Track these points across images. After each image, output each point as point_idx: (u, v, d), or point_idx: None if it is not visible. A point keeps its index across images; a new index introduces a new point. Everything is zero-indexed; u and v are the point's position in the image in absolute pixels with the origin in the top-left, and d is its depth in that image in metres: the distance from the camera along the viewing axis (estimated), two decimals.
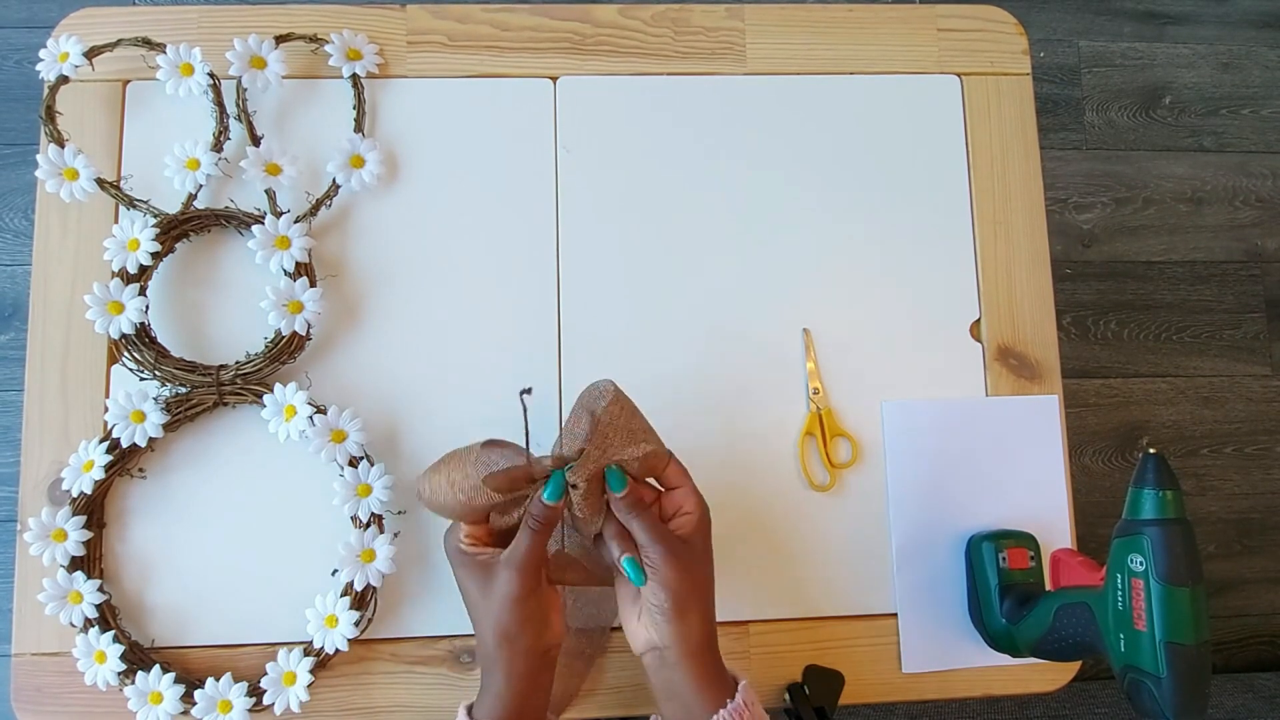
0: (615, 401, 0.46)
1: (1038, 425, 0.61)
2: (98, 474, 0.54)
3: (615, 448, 0.46)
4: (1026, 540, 0.57)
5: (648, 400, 0.59)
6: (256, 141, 0.59)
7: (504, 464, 0.45)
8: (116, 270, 0.56)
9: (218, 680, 0.53)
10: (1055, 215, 1.41)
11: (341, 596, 0.54)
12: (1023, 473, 0.61)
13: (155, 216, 0.57)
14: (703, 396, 0.60)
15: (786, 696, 0.56)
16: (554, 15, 0.64)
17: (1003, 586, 0.56)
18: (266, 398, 0.55)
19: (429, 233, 0.61)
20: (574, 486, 0.45)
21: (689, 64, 0.64)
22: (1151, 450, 0.46)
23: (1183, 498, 0.45)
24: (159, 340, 0.56)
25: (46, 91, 0.57)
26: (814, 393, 0.60)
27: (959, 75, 0.65)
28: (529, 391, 0.46)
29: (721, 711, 0.44)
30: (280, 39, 0.60)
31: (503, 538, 0.48)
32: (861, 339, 0.61)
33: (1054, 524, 0.60)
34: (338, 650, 0.53)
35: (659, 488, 0.49)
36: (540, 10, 0.64)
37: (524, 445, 0.46)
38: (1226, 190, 1.44)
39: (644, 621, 0.46)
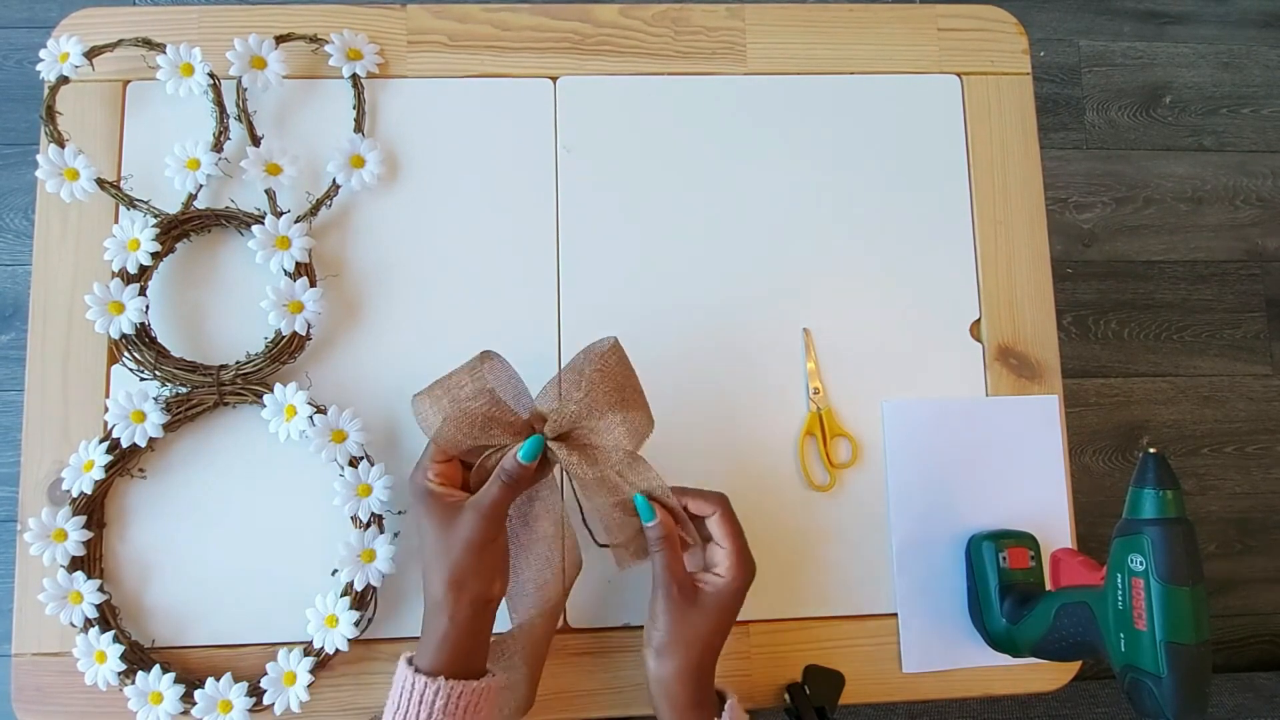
0: (613, 352, 0.47)
1: (1038, 425, 0.61)
2: (98, 474, 0.54)
3: (599, 404, 0.46)
4: (1026, 540, 0.57)
5: (648, 400, 0.59)
6: (256, 141, 0.59)
7: (498, 385, 0.47)
8: (116, 270, 0.56)
9: (218, 680, 0.53)
10: (1055, 215, 1.41)
11: (341, 596, 0.54)
12: (1023, 473, 0.61)
13: (155, 216, 0.57)
14: (703, 396, 0.60)
15: (786, 696, 0.56)
16: (554, 15, 0.64)
17: (1003, 586, 0.55)
18: (266, 398, 0.55)
19: (429, 233, 0.61)
20: (558, 439, 0.46)
21: (689, 64, 0.64)
22: (1152, 450, 0.46)
23: (1183, 497, 0.45)
24: (159, 340, 0.56)
25: (47, 91, 0.57)
26: (814, 393, 0.60)
27: (959, 75, 0.65)
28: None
29: None
30: (280, 39, 0.60)
31: (469, 482, 0.48)
32: (861, 339, 0.61)
33: (1054, 524, 0.60)
34: (338, 650, 0.53)
35: (695, 529, 0.51)
36: (540, 10, 0.64)
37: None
38: (1226, 190, 1.44)
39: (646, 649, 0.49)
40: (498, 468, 0.46)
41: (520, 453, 0.46)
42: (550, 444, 0.47)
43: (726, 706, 0.48)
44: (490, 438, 0.47)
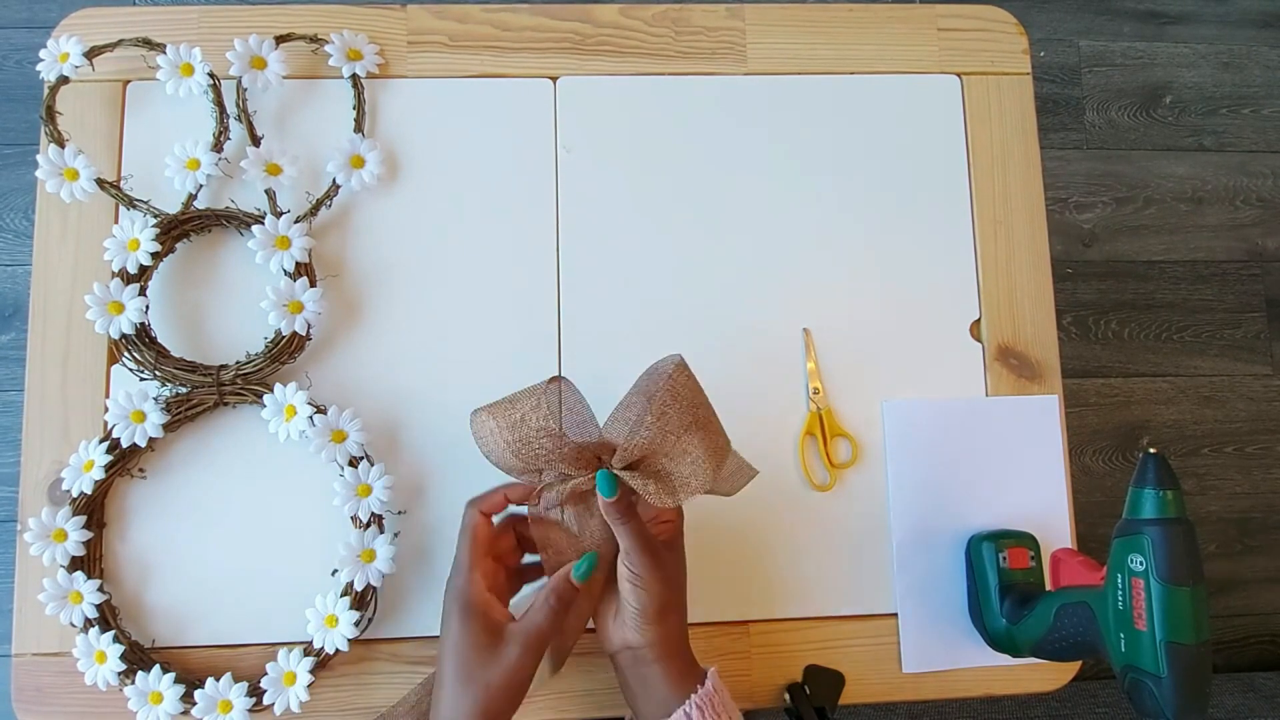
0: (680, 371, 0.44)
1: (1038, 425, 0.61)
2: (98, 474, 0.54)
3: (673, 428, 0.43)
4: (1026, 540, 0.57)
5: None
6: (256, 141, 0.59)
7: (565, 410, 0.45)
8: (116, 270, 0.56)
9: (218, 680, 0.53)
10: (1055, 215, 1.41)
11: (341, 596, 0.54)
12: (1023, 473, 0.61)
13: (155, 216, 0.57)
14: None
15: (786, 696, 0.56)
16: (554, 15, 0.64)
17: (1003, 586, 0.55)
18: (266, 398, 0.55)
19: (429, 233, 0.61)
20: (629, 467, 0.44)
21: (689, 64, 0.64)
22: (1152, 450, 0.46)
23: (1183, 497, 0.45)
24: (159, 340, 0.56)
25: (47, 91, 0.57)
26: (814, 393, 0.60)
27: (959, 75, 0.65)
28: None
29: (693, 697, 0.45)
30: (280, 39, 0.60)
31: (517, 581, 0.49)
32: (861, 339, 0.61)
33: (1054, 524, 0.60)
34: (338, 650, 0.53)
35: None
36: (540, 10, 0.64)
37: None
38: (1227, 190, 1.44)
39: (621, 623, 0.47)
40: (545, 589, 0.44)
41: (575, 572, 0.45)
42: (622, 473, 0.44)
43: (709, 674, 0.47)
44: (551, 465, 0.45)
